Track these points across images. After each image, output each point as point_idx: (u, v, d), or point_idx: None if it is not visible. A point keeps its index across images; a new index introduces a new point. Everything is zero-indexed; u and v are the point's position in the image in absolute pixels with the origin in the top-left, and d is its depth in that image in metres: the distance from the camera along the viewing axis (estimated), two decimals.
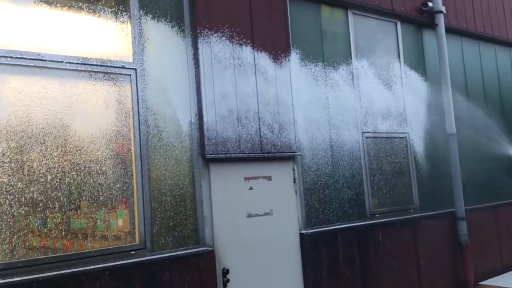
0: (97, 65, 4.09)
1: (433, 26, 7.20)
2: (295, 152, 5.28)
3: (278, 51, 5.25)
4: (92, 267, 3.76)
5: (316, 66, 5.74)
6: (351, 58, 6.16)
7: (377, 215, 6.08)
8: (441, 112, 7.06)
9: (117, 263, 3.91)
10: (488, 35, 8.19)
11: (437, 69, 7.14)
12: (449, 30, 7.37)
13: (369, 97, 6.25)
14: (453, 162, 6.91)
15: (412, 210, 6.52)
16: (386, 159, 6.36)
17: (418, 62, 7.05)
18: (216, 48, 4.78)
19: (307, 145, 5.50)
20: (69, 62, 3.92)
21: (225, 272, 4.60)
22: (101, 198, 3.97)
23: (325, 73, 5.83)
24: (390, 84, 6.58)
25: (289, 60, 5.34)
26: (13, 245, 3.50)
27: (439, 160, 7.00)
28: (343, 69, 6.03)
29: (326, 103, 5.76)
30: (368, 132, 6.17)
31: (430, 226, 6.60)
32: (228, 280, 4.61)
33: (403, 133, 6.60)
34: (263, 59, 5.11)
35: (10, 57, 3.63)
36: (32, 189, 3.61)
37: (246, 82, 4.94)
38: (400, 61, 6.78)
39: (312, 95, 5.64)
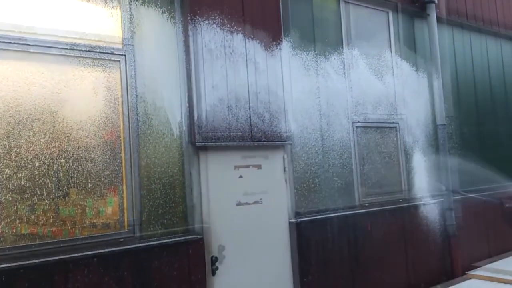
0: (85, 50, 4.04)
1: (424, 16, 7.20)
2: (285, 141, 5.27)
3: (269, 40, 5.21)
4: (80, 254, 3.75)
5: (308, 55, 5.72)
6: (342, 47, 6.14)
7: (367, 204, 6.11)
8: (431, 102, 7.09)
9: (106, 250, 3.90)
10: (479, 26, 8.21)
11: (428, 59, 7.15)
12: (440, 20, 7.36)
13: (360, 86, 6.24)
14: (442, 153, 6.95)
15: (401, 200, 6.55)
16: (376, 148, 6.37)
17: (409, 52, 7.05)
18: (207, 35, 4.73)
19: (298, 134, 5.49)
20: (57, 47, 3.87)
21: (214, 260, 4.61)
22: (89, 186, 3.94)
23: (316, 62, 5.81)
24: (381, 73, 6.58)
25: (280, 49, 5.30)
26: (1, 231, 3.46)
27: (429, 150, 7.04)
28: (334, 58, 6.01)
29: (317, 93, 5.75)
30: (358, 122, 6.17)
31: (418, 216, 6.64)
32: (217, 268, 4.61)
33: (393, 122, 6.61)
34: (254, 47, 5.07)
35: None
36: (19, 175, 3.57)
37: (237, 70, 4.90)
38: (391, 51, 6.77)
39: (303, 84, 5.62)
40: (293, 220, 5.29)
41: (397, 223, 6.31)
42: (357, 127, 6.13)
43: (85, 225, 3.88)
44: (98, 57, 4.11)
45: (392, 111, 6.63)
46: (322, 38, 5.93)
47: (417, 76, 7.09)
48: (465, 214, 7.15)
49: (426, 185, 6.93)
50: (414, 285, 6.42)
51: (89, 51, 4.05)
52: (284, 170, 5.32)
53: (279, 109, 5.22)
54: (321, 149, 5.70)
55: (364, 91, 6.28)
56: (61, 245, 3.69)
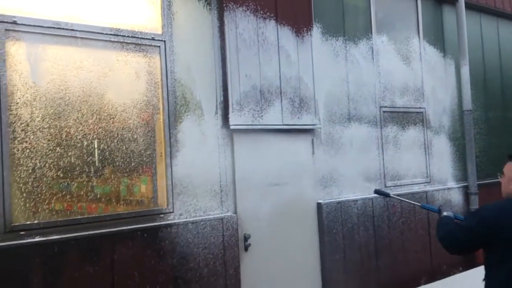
0: (128, 36, 4.24)
1: (453, 2, 7.23)
2: (314, 125, 5.44)
3: (300, 26, 5.36)
4: (125, 227, 4.01)
5: (337, 41, 5.85)
6: (371, 33, 6.25)
7: (392, 188, 6.26)
8: (458, 88, 7.17)
9: (147, 224, 4.16)
10: (507, 12, 8.20)
11: (455, 45, 7.20)
12: (469, 6, 7.39)
13: (388, 72, 6.37)
14: (468, 138, 7.05)
15: (425, 184, 6.69)
16: (402, 133, 6.50)
17: (437, 38, 7.12)
18: (241, 23, 4.89)
19: (326, 118, 5.65)
20: (102, 33, 4.08)
21: (247, 237, 4.84)
22: (132, 164, 4.18)
23: (346, 48, 5.95)
24: (409, 59, 6.68)
25: (311, 35, 5.44)
26: (53, 206, 3.73)
27: (454, 135, 7.14)
28: (363, 44, 6.14)
29: (345, 78, 5.90)
30: (386, 107, 6.30)
31: (442, 199, 6.78)
32: (249, 245, 4.85)
33: (420, 108, 6.73)
34: (286, 35, 5.22)
35: (48, 27, 3.79)
36: (70, 153, 3.82)
37: (269, 57, 5.07)
38: (419, 37, 6.86)
39: (332, 70, 5.78)
40: (320, 201, 5.49)
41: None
42: (384, 112, 6.27)
43: (128, 201, 4.13)
44: (140, 42, 4.31)
45: (419, 96, 6.74)
46: (351, 25, 6.05)
47: (444, 62, 7.17)
48: (489, 199, 7.24)
49: (451, 169, 7.06)
50: (436, 265, 6.58)
51: (131, 36, 4.26)
52: (313, 153, 5.50)
53: (309, 94, 5.38)
54: (349, 133, 5.86)
55: (392, 76, 6.41)
56: (108, 219, 3.95)
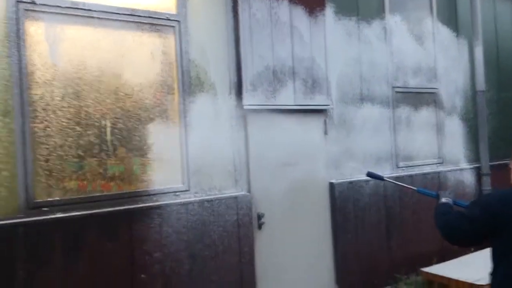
0: (144, 16, 4.29)
1: None
2: (327, 105, 5.47)
3: (313, 6, 5.35)
4: (142, 205, 4.11)
5: (350, 21, 5.85)
6: (384, 13, 6.23)
7: (403, 168, 6.30)
8: (471, 68, 7.15)
9: (163, 202, 4.25)
10: None
11: (469, 25, 7.16)
12: None
13: (401, 52, 6.36)
14: (481, 119, 7.04)
15: (437, 165, 6.72)
16: (414, 113, 6.51)
17: (450, 17, 7.07)
18: (254, 1, 4.89)
19: (339, 99, 5.68)
20: (119, 13, 4.13)
21: (261, 215, 4.92)
22: (148, 143, 4.25)
23: (359, 28, 5.94)
24: (422, 39, 6.66)
25: (324, 15, 5.45)
26: (73, 183, 3.83)
27: (467, 116, 7.14)
28: (376, 24, 6.13)
29: (358, 58, 5.90)
30: (398, 87, 6.31)
31: (455, 180, 6.81)
32: (263, 223, 4.93)
33: (432, 88, 6.72)
34: (299, 14, 5.23)
35: (66, 7, 3.85)
36: (89, 132, 3.91)
37: (282, 37, 5.09)
38: (432, 16, 6.82)
39: (345, 50, 5.78)
40: (333, 181, 5.54)
41: (433, 187, 6.48)
42: (396, 92, 6.28)
43: (145, 179, 4.21)
44: (155, 22, 4.35)
45: (432, 77, 6.73)
46: (365, 5, 6.03)
47: (457, 42, 7.13)
48: (501, 180, 7.25)
49: (463, 150, 7.07)
50: (447, 245, 6.59)
51: (147, 16, 4.30)
52: (325, 133, 5.54)
53: (321, 74, 5.40)
54: (361, 113, 5.89)
55: (404, 56, 6.40)
56: (126, 196, 4.05)
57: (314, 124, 5.45)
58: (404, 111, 6.39)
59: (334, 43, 5.61)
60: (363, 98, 5.93)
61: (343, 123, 5.73)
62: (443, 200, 3.05)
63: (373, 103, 6.03)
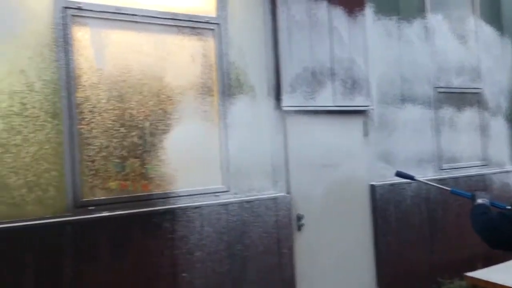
0: (184, 20, 4.38)
1: None
2: (367, 106, 5.42)
3: (353, 6, 5.33)
4: (183, 205, 4.19)
5: (390, 20, 5.79)
6: (425, 12, 6.13)
7: (446, 170, 6.17)
8: None
9: (204, 203, 4.32)
10: None
11: None
12: None
13: (443, 52, 6.24)
14: None
15: (482, 167, 6.54)
16: (457, 114, 6.37)
17: (493, 16, 6.89)
18: (293, 3, 4.91)
19: (379, 99, 5.62)
20: (160, 18, 4.23)
21: (300, 217, 4.92)
22: (189, 144, 4.31)
23: (399, 27, 5.87)
24: (464, 38, 6.52)
25: (363, 15, 5.41)
26: (118, 183, 3.94)
27: None
28: (417, 24, 6.03)
29: (399, 58, 5.83)
30: (441, 87, 6.19)
31: (500, 182, 6.61)
32: (303, 225, 4.93)
33: (476, 88, 6.56)
34: (338, 14, 5.21)
35: (111, 12, 3.98)
36: (132, 134, 4.02)
37: (321, 38, 5.09)
38: (475, 15, 6.66)
39: (385, 50, 5.72)
40: (373, 183, 5.48)
41: (478, 189, 6.31)
42: (439, 92, 6.16)
43: (186, 180, 4.28)
44: (195, 26, 4.43)
45: (475, 76, 6.57)
46: (405, 4, 5.95)
47: (501, 41, 6.94)
48: None
49: (509, 152, 6.86)
50: (492, 250, 6.42)
51: (187, 20, 4.39)
52: (365, 135, 5.49)
53: (361, 75, 5.37)
54: (402, 114, 5.80)
55: (447, 56, 6.28)
56: (167, 196, 4.14)
57: (353, 125, 5.41)
58: (447, 111, 6.26)
59: (374, 43, 5.56)
60: (404, 99, 5.85)
61: (384, 124, 5.66)
62: (479, 201, 2.91)
63: (415, 104, 5.94)
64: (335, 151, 5.21)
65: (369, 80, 5.44)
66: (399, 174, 3.68)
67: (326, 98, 5.09)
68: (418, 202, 5.83)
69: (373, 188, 5.48)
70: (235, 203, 4.51)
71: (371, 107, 5.48)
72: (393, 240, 5.59)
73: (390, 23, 5.79)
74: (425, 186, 5.79)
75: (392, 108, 5.74)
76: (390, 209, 5.61)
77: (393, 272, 5.55)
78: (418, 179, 3.74)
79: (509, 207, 2.87)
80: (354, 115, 5.40)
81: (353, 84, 5.30)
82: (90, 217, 3.75)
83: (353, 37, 5.32)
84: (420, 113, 5.99)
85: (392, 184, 5.62)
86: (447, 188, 3.56)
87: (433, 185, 3.94)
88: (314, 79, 5.02)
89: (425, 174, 5.94)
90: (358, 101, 5.33)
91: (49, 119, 3.68)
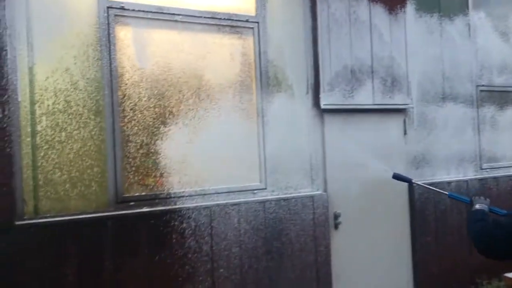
0: (224, 19, 4.41)
1: None
2: (407, 104, 5.34)
3: (393, 3, 5.26)
4: (221, 202, 4.24)
5: (432, 17, 5.67)
6: (467, 9, 5.98)
7: (487, 170, 6.02)
8: None
9: (241, 200, 4.37)
10: None
11: None
12: None
13: (486, 49, 6.08)
14: None
15: None
16: (500, 113, 6.20)
17: None
18: (333, 1, 4.88)
19: (419, 98, 5.53)
20: (201, 17, 4.27)
21: (337, 215, 4.90)
22: (228, 142, 4.35)
23: (441, 25, 5.75)
24: (507, 36, 6.33)
25: (404, 12, 5.33)
26: (158, 179, 4.02)
27: None
28: (459, 21, 5.90)
29: (440, 56, 5.71)
30: (483, 86, 6.03)
31: None
32: (339, 223, 4.91)
33: None
34: (379, 12, 5.15)
35: (152, 12, 4.05)
36: (172, 131, 4.08)
37: (361, 36, 5.04)
38: None
39: (427, 48, 5.61)
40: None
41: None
42: (481, 91, 6.01)
43: (224, 177, 4.32)
44: (234, 24, 4.46)
45: None
46: (447, 1, 5.82)
47: None
48: None
49: None
50: None
51: (227, 19, 4.42)
52: (405, 133, 5.41)
53: (401, 73, 5.29)
54: (443, 112, 5.69)
55: (489, 54, 6.12)
56: (207, 193, 4.21)
57: (393, 124, 5.34)
58: (489, 110, 6.10)
59: (415, 40, 5.47)
60: (445, 97, 5.73)
61: (424, 122, 5.57)
62: (477, 206, 2.79)
63: (456, 102, 5.81)
64: (373, 149, 5.15)
65: (409, 78, 5.36)
66: (396, 177, 3.57)
67: (365, 96, 5.05)
68: (458, 202, 5.69)
69: (411, 187, 5.39)
70: (272, 200, 4.53)
71: (411, 105, 5.40)
72: (432, 240, 5.50)
73: (432, 20, 5.67)
74: (466, 185, 5.68)
75: (433, 106, 5.63)
76: (429, 208, 5.53)
77: (431, 272, 5.46)
78: (416, 182, 3.65)
79: (506, 213, 2.76)
80: (394, 113, 5.33)
81: (393, 82, 5.23)
82: (131, 213, 3.83)
83: (394, 34, 5.24)
84: (461, 112, 5.87)
85: (431, 184, 5.51)
86: (444, 192, 3.51)
87: (431, 189, 3.79)
88: (353, 77, 4.98)
89: (466, 174, 5.83)
90: (397, 100, 5.26)
91: (92, 117, 3.78)
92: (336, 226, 4.91)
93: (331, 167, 4.89)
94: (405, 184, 5.37)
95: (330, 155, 4.89)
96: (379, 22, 5.14)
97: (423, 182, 5.40)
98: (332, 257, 4.83)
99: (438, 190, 3.73)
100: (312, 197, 4.73)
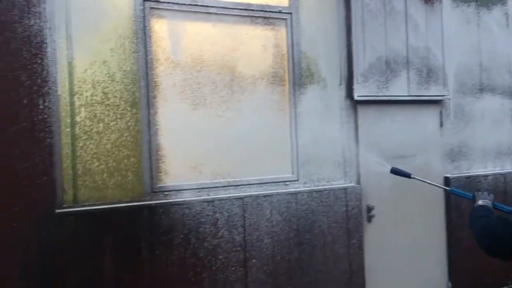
0: (257, 10, 4.41)
1: None
2: (443, 96, 5.25)
3: None
4: (253, 193, 4.28)
5: (469, 7, 5.54)
6: None
7: None
8: None
9: (274, 191, 4.39)
10: None
11: None
12: None
13: None
14: None
15: None
16: None
17: None
18: None
19: (456, 89, 5.42)
20: (234, 9, 4.30)
21: (371, 208, 4.86)
22: (260, 134, 4.37)
23: (478, 14, 5.61)
24: None
25: (441, 2, 5.22)
26: (192, 169, 4.10)
27: None
28: (497, 10, 5.73)
29: (477, 47, 5.58)
30: None
31: None
32: (373, 216, 4.87)
33: None
34: (414, 2, 5.06)
35: (187, 4, 4.10)
36: (206, 123, 4.13)
37: (396, 27, 4.96)
38: None
39: (464, 38, 5.49)
40: (448, 175, 5.31)
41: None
42: None
43: (256, 168, 4.35)
44: (267, 15, 4.46)
45: None
46: None
47: None
48: None
49: None
50: None
51: (260, 10, 4.42)
52: (441, 125, 5.32)
53: (437, 64, 5.20)
54: (481, 104, 5.56)
55: None
56: (241, 184, 4.26)
57: (428, 116, 5.25)
58: None
59: (452, 31, 5.35)
60: (483, 89, 5.60)
61: (460, 114, 5.46)
62: (480, 202, 2.72)
63: (494, 94, 5.67)
64: (408, 142, 5.10)
65: (446, 69, 5.26)
66: (394, 171, 3.48)
67: (400, 87, 4.98)
68: (496, 196, 5.56)
69: (447, 180, 5.30)
70: (304, 192, 4.53)
71: (448, 96, 5.29)
72: (467, 234, 5.35)
73: (469, 10, 5.54)
74: (503, 178, 5.55)
75: (470, 98, 5.51)
76: (465, 203, 5.38)
77: (466, 267, 5.36)
78: (415, 177, 3.47)
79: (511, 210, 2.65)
80: (429, 105, 5.24)
81: (429, 73, 5.14)
82: (166, 202, 3.91)
83: (430, 24, 5.14)
84: (499, 103, 5.72)
85: (468, 177, 5.43)
86: (446, 187, 3.41)
87: (431, 184, 3.61)
88: (388, 68, 4.92)
89: (504, 167, 5.70)
90: (433, 91, 5.17)
91: (128, 108, 3.86)
92: (369, 219, 4.88)
93: (364, 159, 4.84)
94: (441, 178, 5.29)
95: (363, 147, 4.84)
96: (414, 12, 5.05)
97: (458, 175, 5.35)
98: (365, 250, 4.81)
99: (439, 185, 3.63)
100: (345, 189, 4.71)
